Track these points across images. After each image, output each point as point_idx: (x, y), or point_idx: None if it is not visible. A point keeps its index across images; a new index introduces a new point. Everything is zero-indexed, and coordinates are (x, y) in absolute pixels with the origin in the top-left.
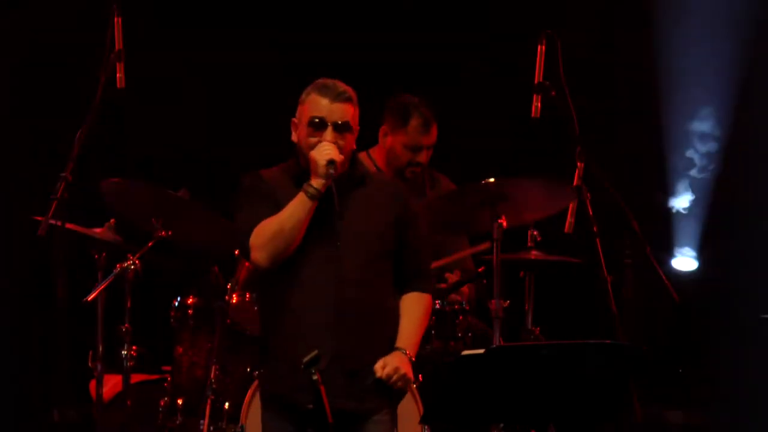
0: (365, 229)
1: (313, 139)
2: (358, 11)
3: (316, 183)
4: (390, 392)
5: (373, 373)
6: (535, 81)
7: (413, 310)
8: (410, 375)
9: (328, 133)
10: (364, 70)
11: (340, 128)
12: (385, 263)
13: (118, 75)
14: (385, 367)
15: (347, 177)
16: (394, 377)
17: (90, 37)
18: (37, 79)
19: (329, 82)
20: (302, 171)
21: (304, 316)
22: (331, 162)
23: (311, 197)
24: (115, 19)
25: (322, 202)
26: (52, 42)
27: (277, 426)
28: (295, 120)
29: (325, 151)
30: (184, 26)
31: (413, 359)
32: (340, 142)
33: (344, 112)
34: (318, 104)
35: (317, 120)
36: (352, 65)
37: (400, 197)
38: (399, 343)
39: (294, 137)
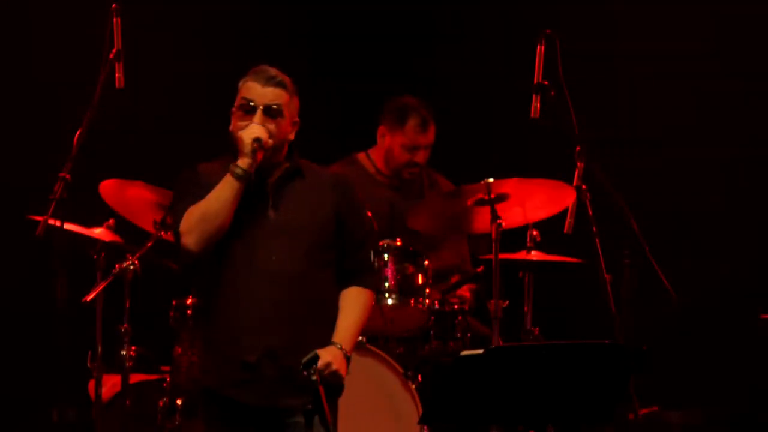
0: (300, 221)
1: (243, 123)
2: (356, 11)
3: (243, 163)
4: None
5: (300, 370)
6: (534, 81)
7: (352, 305)
8: (343, 371)
9: (257, 116)
10: (363, 70)
11: (270, 112)
12: (323, 256)
13: (117, 75)
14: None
15: (283, 170)
16: (325, 372)
17: (89, 37)
18: (37, 78)
19: (263, 67)
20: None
21: (237, 310)
22: (257, 140)
23: (237, 177)
24: (115, 19)
25: (256, 195)
26: (51, 42)
27: (209, 419)
28: (233, 109)
29: (252, 130)
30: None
31: (349, 354)
32: (270, 126)
33: (275, 96)
34: (249, 88)
35: (246, 103)
36: (351, 65)
37: (342, 189)
38: (335, 337)
39: (231, 126)
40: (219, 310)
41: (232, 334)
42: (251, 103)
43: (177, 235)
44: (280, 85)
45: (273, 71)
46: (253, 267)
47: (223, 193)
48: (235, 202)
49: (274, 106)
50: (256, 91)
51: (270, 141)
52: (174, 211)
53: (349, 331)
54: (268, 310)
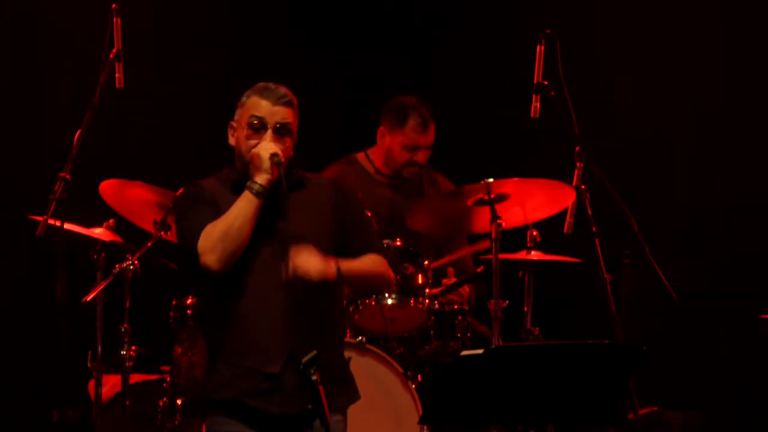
0: (309, 230)
1: (253, 141)
2: (354, 11)
3: (261, 179)
4: (344, 390)
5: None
6: (535, 81)
7: (365, 258)
8: (313, 267)
9: (268, 135)
10: (361, 70)
11: (281, 131)
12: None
13: (117, 75)
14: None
15: (286, 181)
16: (299, 272)
17: (89, 37)
18: (37, 78)
19: (271, 84)
20: (239, 176)
21: (254, 321)
22: (275, 155)
23: (257, 194)
24: (115, 19)
25: (265, 206)
26: (51, 41)
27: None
28: (233, 123)
29: (267, 147)
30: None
31: (342, 273)
32: (280, 146)
33: (285, 115)
34: (259, 105)
35: (257, 121)
36: (349, 66)
37: (339, 192)
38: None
39: (231, 140)
40: (233, 321)
41: (250, 345)
42: (262, 121)
43: (193, 254)
44: (289, 104)
45: (283, 90)
46: (268, 278)
47: (243, 211)
48: (255, 219)
49: (285, 126)
50: (267, 109)
51: (284, 153)
52: (185, 231)
53: (354, 262)
54: (286, 320)
